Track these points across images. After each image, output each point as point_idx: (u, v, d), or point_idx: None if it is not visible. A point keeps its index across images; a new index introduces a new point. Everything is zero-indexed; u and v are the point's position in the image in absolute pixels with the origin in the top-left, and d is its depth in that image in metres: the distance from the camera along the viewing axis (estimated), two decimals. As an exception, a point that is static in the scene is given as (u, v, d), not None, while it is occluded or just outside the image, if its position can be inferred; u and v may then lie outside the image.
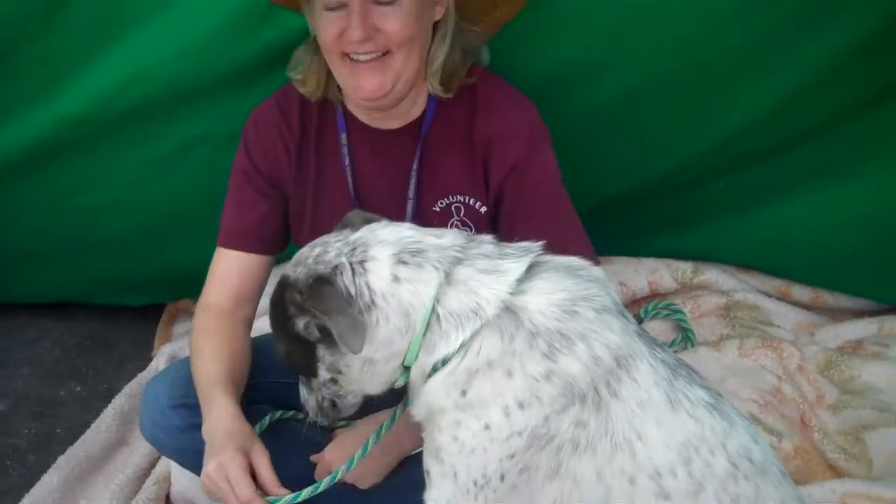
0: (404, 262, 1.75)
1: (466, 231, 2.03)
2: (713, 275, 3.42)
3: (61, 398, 3.34)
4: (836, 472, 2.77)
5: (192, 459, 2.38)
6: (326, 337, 1.78)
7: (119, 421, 3.04)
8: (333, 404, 1.97)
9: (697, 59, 2.77)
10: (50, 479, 2.80)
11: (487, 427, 1.74)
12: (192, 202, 3.05)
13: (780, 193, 3.22)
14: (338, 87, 2.36)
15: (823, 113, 2.94)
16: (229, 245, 2.46)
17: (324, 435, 2.51)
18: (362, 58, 2.17)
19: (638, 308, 3.34)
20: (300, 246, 2.39)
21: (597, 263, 2.26)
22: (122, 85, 2.78)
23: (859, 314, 3.42)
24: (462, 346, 1.73)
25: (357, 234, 1.81)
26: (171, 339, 3.54)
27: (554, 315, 1.72)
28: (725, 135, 2.99)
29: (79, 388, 3.39)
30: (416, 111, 2.38)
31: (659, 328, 3.29)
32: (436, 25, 2.29)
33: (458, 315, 1.73)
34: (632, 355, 1.76)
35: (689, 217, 3.36)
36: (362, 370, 1.84)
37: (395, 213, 2.33)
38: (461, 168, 2.33)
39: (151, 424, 2.40)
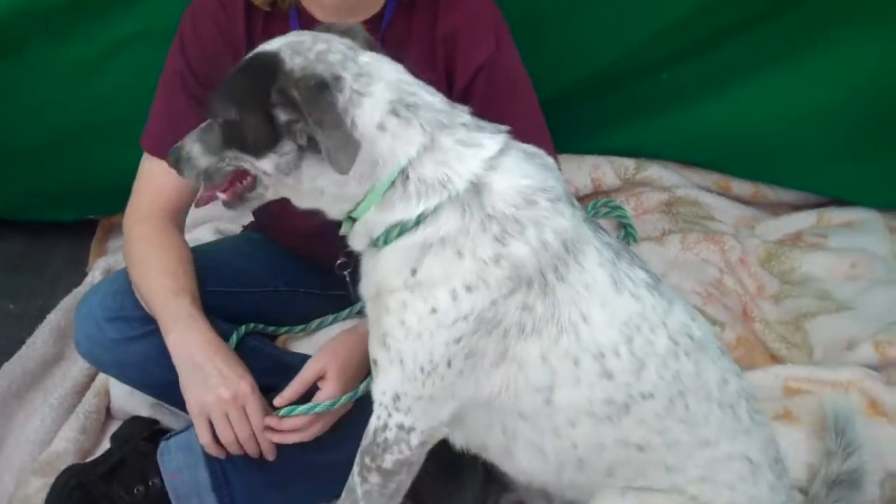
0: (396, 114, 1.69)
1: None
2: (655, 171, 3.41)
3: (-6, 317, 3.25)
4: (778, 361, 2.82)
5: (132, 372, 2.37)
6: (307, 144, 1.69)
7: (55, 336, 2.97)
8: (220, 176, 1.84)
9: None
10: (-14, 396, 2.72)
11: (434, 310, 1.72)
12: (125, 106, 2.89)
13: (720, 87, 3.21)
14: None
15: (759, 5, 2.94)
16: (155, 153, 2.35)
17: (288, 353, 2.50)
18: None
19: (582, 205, 3.30)
20: None
21: (556, 159, 2.26)
22: None
23: (798, 207, 3.45)
24: (421, 216, 1.70)
25: (365, 59, 1.74)
26: (106, 253, 3.45)
27: (513, 202, 1.71)
28: (665, 23, 2.98)
29: (11, 306, 3.30)
30: (375, 6, 2.28)
31: (602, 226, 3.25)
32: None
33: (427, 183, 1.70)
34: (579, 240, 1.76)
35: (632, 112, 3.34)
36: (308, 188, 1.77)
37: None
38: (422, 66, 2.21)
39: (87, 339, 2.35)
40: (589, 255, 1.76)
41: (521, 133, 1.85)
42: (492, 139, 1.76)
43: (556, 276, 1.73)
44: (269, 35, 2.22)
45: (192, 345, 2.14)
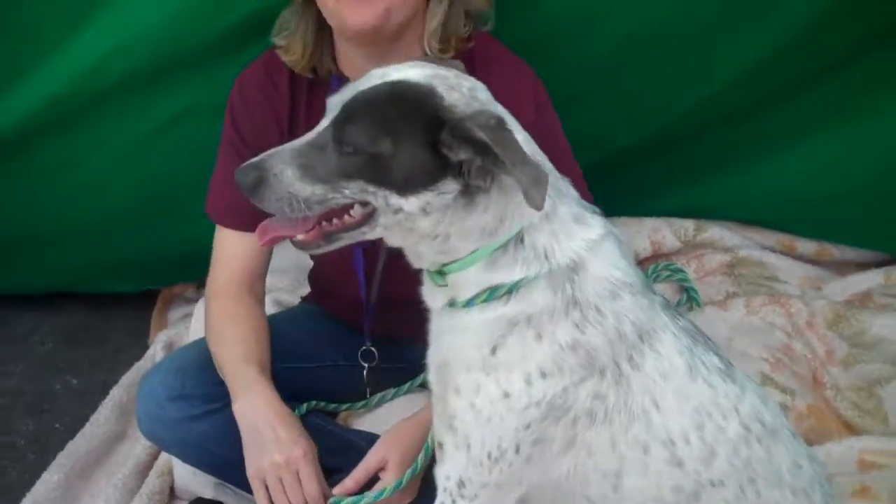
0: None
1: None
2: (716, 232, 3.35)
3: (57, 392, 3.27)
4: (852, 429, 2.73)
5: (193, 452, 2.38)
6: (481, 184, 1.61)
7: (117, 413, 2.98)
8: (323, 208, 1.68)
9: (692, 4, 2.71)
10: (50, 477, 2.73)
11: (507, 395, 1.69)
12: (180, 179, 2.96)
13: (779, 145, 3.16)
14: (332, 56, 2.29)
15: (821, 59, 2.89)
16: (226, 224, 2.39)
17: (350, 430, 2.50)
18: None
19: (642, 270, 3.26)
20: None
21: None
22: (101, 60, 2.69)
23: (864, 266, 3.37)
24: (517, 284, 1.66)
25: (498, 108, 1.71)
26: (167, 326, 3.47)
27: (599, 292, 1.69)
28: (724, 81, 2.94)
29: (75, 381, 3.32)
30: None
31: (663, 290, 3.20)
32: None
33: (536, 251, 1.67)
34: (655, 328, 1.73)
35: (689, 173, 3.30)
36: (429, 231, 1.67)
37: None
38: None
39: (149, 419, 2.36)
40: (666, 342, 1.74)
41: None
42: (594, 219, 1.74)
43: (630, 366, 1.71)
44: (313, 104, 2.33)
45: (254, 410, 2.17)
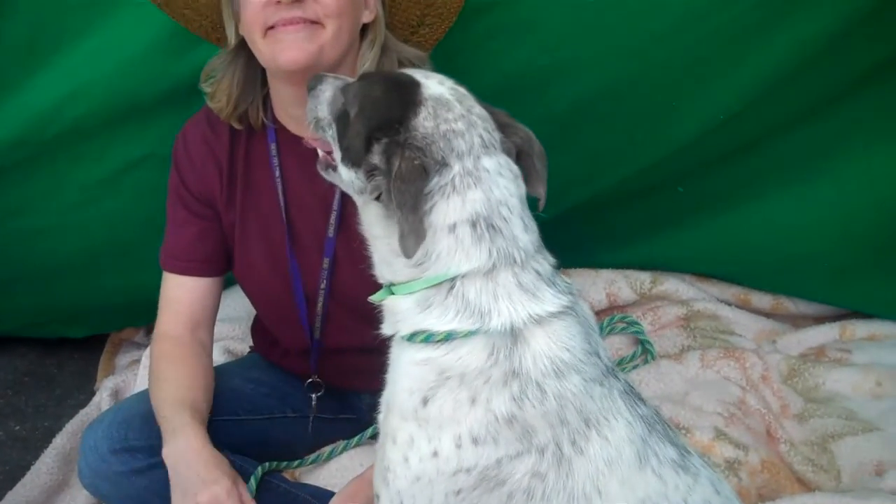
0: (474, 226, 1.63)
1: None
2: (672, 284, 3.36)
3: (0, 439, 3.18)
4: (805, 485, 2.71)
5: None
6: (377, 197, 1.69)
7: (60, 462, 2.88)
8: (324, 134, 1.87)
9: (654, 63, 2.71)
10: (-12, 527, 2.65)
11: (436, 455, 1.65)
12: (133, 226, 2.94)
13: (738, 199, 3.17)
14: (262, 107, 2.31)
15: (780, 116, 2.90)
16: (170, 269, 2.43)
17: (305, 489, 2.45)
18: (290, 28, 2.07)
19: (597, 322, 3.25)
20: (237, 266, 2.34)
21: None
22: (56, 106, 2.65)
23: (819, 320, 3.38)
24: (449, 336, 1.64)
25: (489, 163, 1.68)
26: (115, 371, 3.40)
27: (543, 370, 1.64)
28: (685, 138, 2.93)
29: (18, 428, 3.25)
30: None
31: (618, 343, 3.22)
32: (365, 29, 2.23)
33: (469, 305, 1.64)
34: (607, 416, 1.68)
35: (648, 226, 3.31)
36: (364, 217, 1.79)
37: (321, 225, 2.33)
38: None
39: (91, 472, 2.31)
40: (617, 429, 1.68)
41: None
42: (556, 297, 1.68)
43: (573, 449, 1.65)
44: (251, 155, 2.36)
45: (179, 454, 2.15)
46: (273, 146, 2.34)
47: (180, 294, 2.42)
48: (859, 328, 3.26)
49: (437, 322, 1.65)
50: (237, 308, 3.05)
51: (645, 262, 3.39)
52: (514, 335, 1.64)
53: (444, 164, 1.64)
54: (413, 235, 1.58)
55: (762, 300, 3.40)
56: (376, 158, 1.66)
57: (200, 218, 2.41)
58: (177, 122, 2.50)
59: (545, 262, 1.72)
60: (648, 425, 1.72)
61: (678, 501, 1.70)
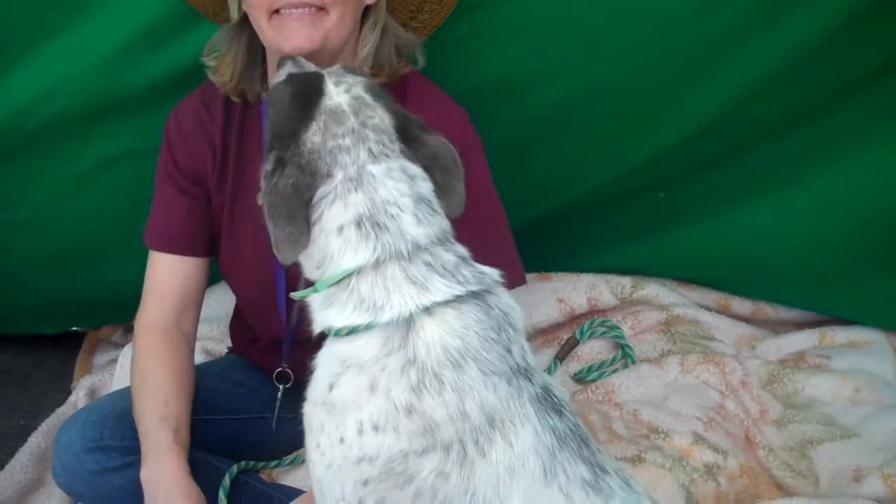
0: (359, 226, 1.67)
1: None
2: (653, 289, 3.36)
3: (-26, 438, 3.15)
4: (783, 490, 2.71)
5: None
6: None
7: (35, 461, 2.87)
8: None
9: (638, 67, 2.71)
10: (-40, 527, 2.62)
11: (342, 440, 1.65)
12: (110, 222, 2.92)
13: (720, 205, 3.17)
14: (262, 81, 2.31)
15: (765, 122, 2.90)
16: (157, 247, 2.40)
17: (281, 490, 2.42)
18: (294, 11, 2.09)
19: (577, 325, 3.26)
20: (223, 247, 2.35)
21: (522, 278, 2.30)
22: (32, 103, 2.63)
23: (799, 325, 3.39)
24: (350, 330, 1.67)
25: (376, 169, 1.71)
26: (91, 370, 3.38)
27: (437, 358, 1.63)
28: (665, 145, 2.93)
29: (-8, 427, 3.21)
30: None
31: (598, 347, 3.22)
32: (367, 11, 2.24)
33: (363, 300, 1.67)
34: (513, 420, 1.65)
35: (629, 230, 3.30)
36: None
37: None
38: None
39: (65, 471, 2.29)
40: (523, 436, 1.65)
41: (483, 247, 1.81)
42: (448, 287, 1.68)
43: (476, 450, 1.63)
44: (245, 129, 2.36)
45: (159, 482, 2.14)
46: (265, 124, 2.32)
47: (167, 274, 2.39)
48: (839, 334, 3.27)
49: (338, 318, 1.69)
50: (216, 308, 3.03)
51: (626, 267, 3.39)
52: (406, 325, 1.65)
53: (328, 175, 1.69)
54: (287, 244, 1.67)
55: (742, 306, 3.40)
56: (268, 166, 1.73)
57: (189, 196, 2.39)
58: (154, 119, 2.49)
59: (446, 254, 1.72)
60: (560, 439, 1.68)
61: None
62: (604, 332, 3.21)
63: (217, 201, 2.40)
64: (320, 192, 1.68)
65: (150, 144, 2.47)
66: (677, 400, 2.92)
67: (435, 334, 1.64)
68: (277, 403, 2.55)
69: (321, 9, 2.10)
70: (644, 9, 2.57)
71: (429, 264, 1.69)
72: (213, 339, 3.16)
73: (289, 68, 1.93)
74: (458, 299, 1.67)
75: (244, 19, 2.22)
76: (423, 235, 1.69)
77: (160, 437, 2.19)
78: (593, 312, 3.32)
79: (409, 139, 1.78)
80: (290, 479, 2.56)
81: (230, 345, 2.85)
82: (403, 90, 2.32)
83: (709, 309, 3.39)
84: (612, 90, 2.77)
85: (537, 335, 3.27)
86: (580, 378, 3.08)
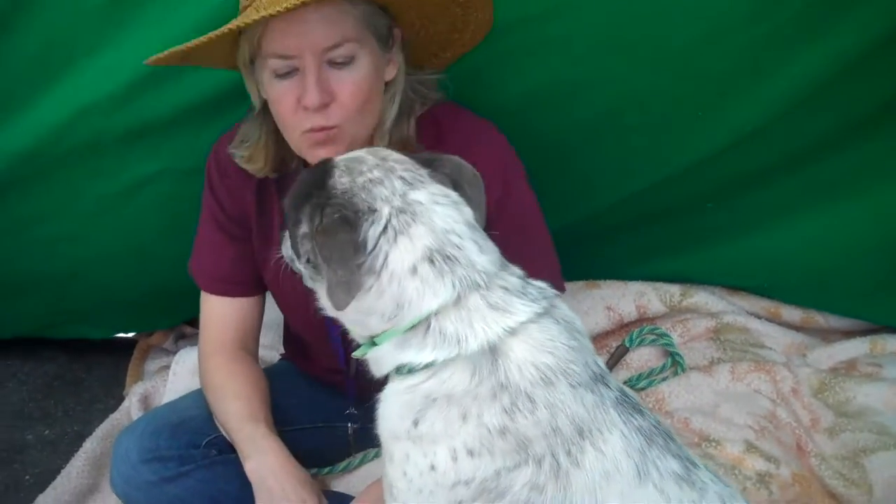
0: (431, 262, 1.64)
1: None
2: (702, 297, 3.34)
3: (29, 442, 3.20)
4: (836, 499, 2.69)
5: None
6: (314, 265, 1.72)
7: (90, 466, 2.91)
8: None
9: (681, 76, 2.69)
10: (19, 531, 2.66)
11: (433, 468, 1.66)
12: (150, 234, 2.96)
13: (771, 215, 3.15)
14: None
15: (817, 131, 2.87)
16: (212, 291, 2.43)
17: (328, 492, 2.46)
18: (318, 133, 2.06)
19: (626, 333, 3.25)
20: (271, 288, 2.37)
21: (563, 288, 2.32)
22: (71, 119, 2.65)
23: (850, 334, 3.35)
24: (430, 365, 1.65)
25: (419, 197, 1.69)
26: (143, 377, 3.41)
27: (530, 378, 1.64)
28: (711, 152, 2.91)
29: (47, 432, 3.25)
30: None
31: (647, 355, 3.20)
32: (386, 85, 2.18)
33: (446, 337, 1.64)
34: (600, 428, 1.67)
35: (678, 240, 3.29)
36: (324, 302, 1.79)
37: None
38: None
39: (123, 481, 2.32)
40: (611, 441, 1.67)
41: (531, 272, 1.80)
42: (527, 306, 1.68)
43: (569, 461, 1.64)
44: (283, 185, 2.31)
45: (266, 468, 2.19)
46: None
47: (226, 314, 2.44)
48: (890, 343, 3.23)
49: (416, 356, 1.67)
50: (267, 315, 3.04)
51: (674, 275, 3.37)
52: (493, 352, 1.64)
53: (371, 211, 1.66)
54: (343, 287, 1.61)
55: (792, 314, 3.37)
56: (304, 228, 1.70)
57: (238, 241, 2.41)
58: (192, 138, 2.54)
59: (511, 277, 1.72)
60: (646, 437, 1.70)
61: None
62: (653, 340, 3.20)
63: (259, 246, 2.40)
64: (372, 232, 1.65)
65: (188, 164, 2.52)
66: (728, 408, 2.91)
67: (525, 353, 1.65)
68: (350, 443, 2.58)
69: (335, 127, 2.07)
70: (689, 16, 2.55)
71: (505, 289, 1.69)
72: (265, 347, 3.13)
73: None
74: (537, 317, 1.68)
75: (265, 105, 2.18)
76: (488, 263, 1.70)
77: (254, 430, 2.24)
78: (642, 320, 3.31)
79: (428, 163, 1.78)
80: (343, 484, 2.58)
81: (282, 351, 2.87)
82: (437, 128, 2.27)
83: (758, 317, 3.36)
84: (656, 97, 2.76)
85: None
86: (630, 386, 3.05)
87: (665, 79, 2.70)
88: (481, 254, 1.70)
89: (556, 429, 1.63)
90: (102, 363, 3.61)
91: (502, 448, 1.63)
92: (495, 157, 2.26)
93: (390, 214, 1.65)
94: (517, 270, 1.75)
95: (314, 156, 2.08)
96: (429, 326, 1.66)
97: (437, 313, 1.65)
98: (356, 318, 1.74)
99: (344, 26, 1.98)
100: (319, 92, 1.99)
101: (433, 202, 1.69)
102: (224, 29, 1.94)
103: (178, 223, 2.48)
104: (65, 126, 2.67)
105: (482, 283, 1.67)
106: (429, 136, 2.24)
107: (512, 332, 1.65)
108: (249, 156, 2.26)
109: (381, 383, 1.81)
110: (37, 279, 3.22)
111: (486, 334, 1.64)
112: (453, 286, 1.64)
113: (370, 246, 1.64)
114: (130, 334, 3.68)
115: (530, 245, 2.27)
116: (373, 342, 1.74)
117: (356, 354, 1.80)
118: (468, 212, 1.74)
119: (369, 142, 2.16)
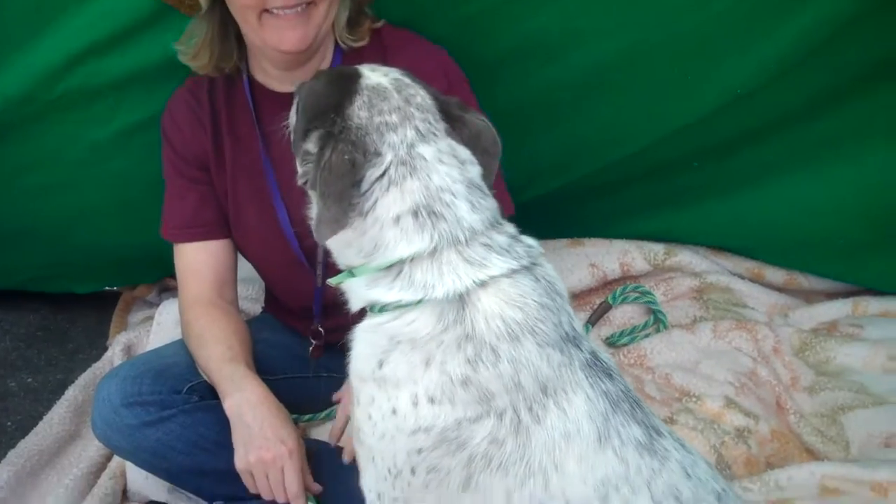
0: (416, 216, 1.66)
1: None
2: (686, 256, 3.35)
3: (12, 390, 3.22)
4: (814, 455, 2.72)
5: (147, 458, 2.36)
6: (311, 184, 1.71)
7: (72, 413, 2.93)
8: None
9: (673, 33, 2.69)
10: (-1, 475, 2.67)
11: (394, 412, 1.68)
12: (139, 185, 2.94)
13: (757, 176, 3.16)
14: (238, 54, 2.34)
15: (806, 94, 2.87)
16: (178, 239, 2.47)
17: (309, 440, 2.48)
18: (288, 12, 2.11)
19: (609, 291, 3.26)
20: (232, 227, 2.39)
21: (512, 209, 2.30)
22: (62, 66, 2.65)
23: (832, 295, 3.37)
24: (397, 306, 1.66)
25: (426, 151, 1.69)
26: (127, 328, 3.42)
27: (496, 330, 1.64)
28: (700, 112, 2.91)
29: (30, 380, 3.27)
30: (322, 60, 2.36)
31: (631, 312, 3.22)
32: None
33: (413, 282, 1.66)
34: (565, 387, 1.67)
35: (663, 198, 3.30)
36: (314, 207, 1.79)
37: None
38: None
39: (104, 424, 2.32)
40: (575, 402, 1.66)
41: None
42: (505, 262, 1.68)
43: (531, 417, 1.65)
44: (232, 102, 2.41)
45: (245, 405, 2.21)
46: (250, 99, 2.38)
47: (198, 261, 2.46)
48: (872, 304, 3.25)
49: (384, 295, 1.69)
50: (251, 268, 3.03)
51: (659, 234, 3.38)
52: (461, 301, 1.65)
53: (376, 154, 1.67)
54: (330, 223, 1.63)
55: (776, 275, 3.39)
56: (311, 145, 1.70)
57: (198, 183, 2.45)
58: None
59: (498, 235, 1.72)
60: (612, 403, 1.69)
61: (640, 485, 1.67)
62: (636, 298, 3.21)
63: (219, 184, 2.44)
64: (370, 174, 1.66)
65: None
66: (709, 365, 2.93)
67: (493, 305, 1.65)
68: (312, 361, 2.59)
69: (310, 3, 2.12)
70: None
71: (487, 246, 1.69)
72: (249, 299, 3.18)
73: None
74: (511, 272, 1.68)
75: (212, 4, 2.23)
76: (478, 221, 1.70)
77: (233, 370, 2.27)
78: (626, 278, 3.33)
79: (452, 119, 1.78)
80: (322, 433, 2.59)
81: (264, 304, 2.88)
82: (379, 41, 2.36)
83: (742, 277, 3.38)
84: (646, 56, 2.75)
85: (570, 300, 3.26)
86: (612, 342, 3.09)
87: (654, 37, 2.70)
88: (472, 212, 1.70)
89: (518, 384, 1.64)
90: (87, 315, 3.63)
91: (463, 398, 1.63)
92: (436, 63, 2.33)
93: (391, 163, 1.67)
94: (510, 229, 1.76)
95: (283, 42, 2.15)
96: (401, 270, 1.67)
97: (410, 260, 1.66)
98: (335, 246, 1.76)
99: None
100: None
101: (437, 160, 1.70)
102: None
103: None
104: (59, 70, 2.66)
105: (463, 240, 1.67)
106: (371, 43, 2.35)
107: (482, 284, 1.66)
108: (195, 52, 2.32)
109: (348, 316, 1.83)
110: (27, 232, 3.22)
111: (455, 284, 1.65)
112: (431, 239, 1.66)
113: (364, 187, 1.66)
114: (115, 288, 3.68)
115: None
116: (351, 273, 1.75)
117: (332, 281, 1.80)
118: (475, 170, 1.75)
119: (327, 36, 2.24)
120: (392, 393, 1.68)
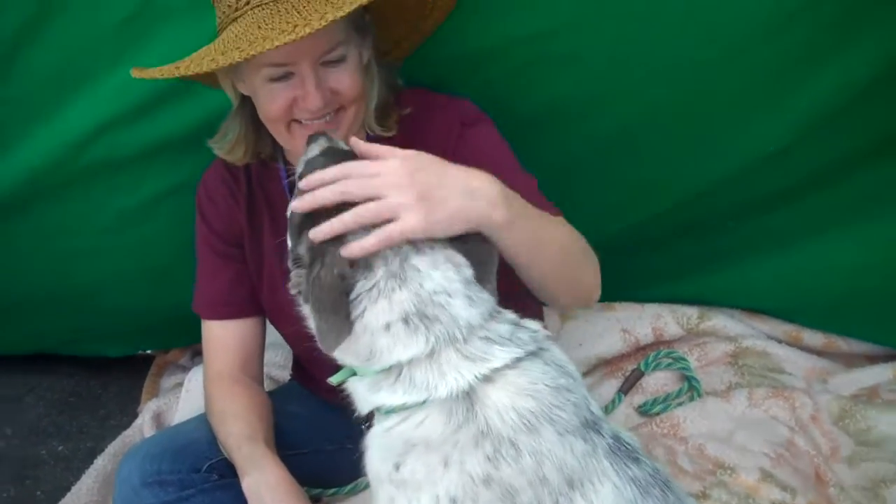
0: (406, 322, 1.64)
1: None
2: (720, 320, 3.29)
3: (43, 458, 3.23)
4: (854, 530, 2.63)
5: None
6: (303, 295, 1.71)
7: (100, 483, 2.92)
8: None
9: (702, 91, 2.64)
10: (26, 548, 2.67)
11: None
12: (167, 251, 2.96)
13: (794, 236, 3.09)
14: (273, 143, 2.31)
15: (841, 150, 2.80)
16: (208, 316, 2.47)
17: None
18: (317, 121, 2.09)
19: (642, 356, 3.20)
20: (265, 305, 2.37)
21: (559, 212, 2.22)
22: (91, 133, 2.67)
23: (873, 359, 3.27)
24: (404, 408, 1.64)
25: (420, 262, 1.68)
26: (159, 393, 3.43)
27: (511, 423, 1.60)
28: (731, 173, 2.86)
29: (61, 448, 3.28)
30: None
31: (664, 378, 3.15)
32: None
33: (414, 383, 1.64)
34: (591, 478, 1.63)
35: (697, 260, 3.23)
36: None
37: None
38: None
39: None
40: (603, 493, 1.63)
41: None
42: (507, 352, 1.66)
43: None
44: (268, 187, 2.40)
45: (263, 485, 2.17)
46: (286, 186, 2.37)
47: (226, 338, 2.46)
48: (914, 369, 3.15)
49: (388, 398, 1.67)
50: (278, 334, 3.05)
51: (692, 297, 3.32)
52: (468, 399, 1.62)
53: (367, 268, 1.66)
54: (333, 333, 1.62)
55: (814, 338, 3.29)
56: (302, 249, 1.70)
57: (231, 260, 2.45)
58: (210, 154, 2.49)
59: (499, 325, 1.70)
60: (641, 489, 1.65)
61: None
62: (669, 364, 3.14)
63: (253, 259, 2.44)
64: (360, 286, 1.65)
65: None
66: (744, 435, 2.85)
67: (503, 398, 1.62)
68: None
69: (339, 109, 2.11)
70: (709, 30, 2.50)
71: (487, 339, 1.67)
72: (276, 366, 3.18)
73: (322, 144, 1.92)
74: (516, 361, 1.65)
75: (242, 101, 2.23)
76: (476, 316, 1.68)
77: (253, 449, 2.24)
78: (658, 343, 3.26)
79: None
80: (349, 506, 2.54)
81: (292, 371, 2.87)
82: (404, 117, 2.33)
83: (779, 341, 3.29)
84: (674, 113, 2.71)
85: (601, 366, 3.23)
86: (645, 411, 3.02)
87: (680, 96, 2.65)
88: (470, 307, 1.68)
89: (542, 478, 1.60)
90: (120, 380, 3.64)
91: (487, 497, 1.59)
92: (452, 112, 2.31)
93: (382, 277, 1.66)
94: (510, 316, 1.73)
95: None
96: (400, 373, 1.66)
97: (409, 363, 1.64)
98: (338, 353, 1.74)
99: (336, 32, 2.01)
100: (321, 94, 2.03)
101: (432, 267, 1.68)
102: (233, 58, 1.90)
103: (194, 242, 2.48)
104: (85, 140, 2.69)
105: (460, 337, 1.65)
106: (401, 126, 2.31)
107: (486, 378, 1.63)
108: (230, 149, 2.32)
109: None
110: (57, 296, 3.24)
111: (458, 382, 1.62)
112: (426, 341, 1.64)
113: (353, 295, 1.65)
114: (148, 351, 3.70)
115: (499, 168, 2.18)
116: (353, 371, 1.74)
117: (333, 380, 1.79)
118: (470, 273, 1.72)
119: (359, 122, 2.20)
120: (413, 495, 1.64)
